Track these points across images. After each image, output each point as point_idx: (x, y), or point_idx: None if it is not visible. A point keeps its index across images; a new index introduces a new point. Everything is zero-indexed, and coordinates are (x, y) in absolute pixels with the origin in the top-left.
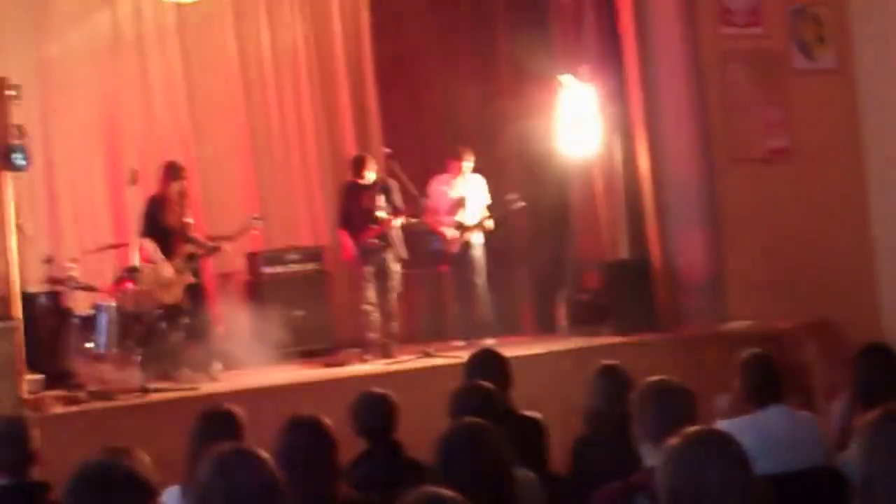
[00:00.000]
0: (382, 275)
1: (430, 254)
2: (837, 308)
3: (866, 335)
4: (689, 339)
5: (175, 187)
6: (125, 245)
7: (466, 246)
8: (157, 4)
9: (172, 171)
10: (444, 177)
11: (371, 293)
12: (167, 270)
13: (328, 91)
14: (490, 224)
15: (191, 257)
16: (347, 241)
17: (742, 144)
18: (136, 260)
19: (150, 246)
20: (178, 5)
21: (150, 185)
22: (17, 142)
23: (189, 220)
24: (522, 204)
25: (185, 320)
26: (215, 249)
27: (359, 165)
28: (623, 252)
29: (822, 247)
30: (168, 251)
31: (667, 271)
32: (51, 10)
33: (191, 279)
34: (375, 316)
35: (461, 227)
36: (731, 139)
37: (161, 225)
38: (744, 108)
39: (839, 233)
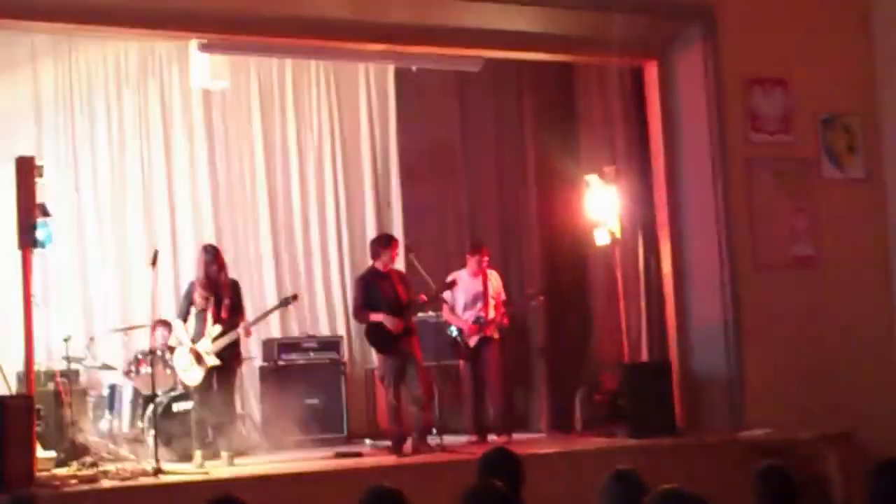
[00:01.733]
0: (406, 366)
1: (447, 348)
2: (860, 419)
3: (889, 448)
4: (706, 445)
5: (209, 270)
6: (143, 326)
7: (483, 341)
8: (184, 90)
9: (208, 254)
10: (462, 272)
11: (398, 386)
12: (190, 353)
13: (351, 181)
14: (506, 321)
15: (218, 338)
16: (380, 316)
17: (767, 251)
18: (153, 342)
19: (180, 328)
20: (206, 93)
21: (170, 267)
22: (40, 220)
23: (226, 301)
24: (540, 298)
25: (206, 403)
26: (244, 333)
27: (387, 245)
28: (643, 354)
29: (845, 357)
30: (199, 332)
31: (686, 375)
32: (82, 94)
33: (216, 361)
34: (401, 409)
35: (478, 323)
36: (757, 245)
37: (195, 306)
38: (770, 214)
39: (863, 343)
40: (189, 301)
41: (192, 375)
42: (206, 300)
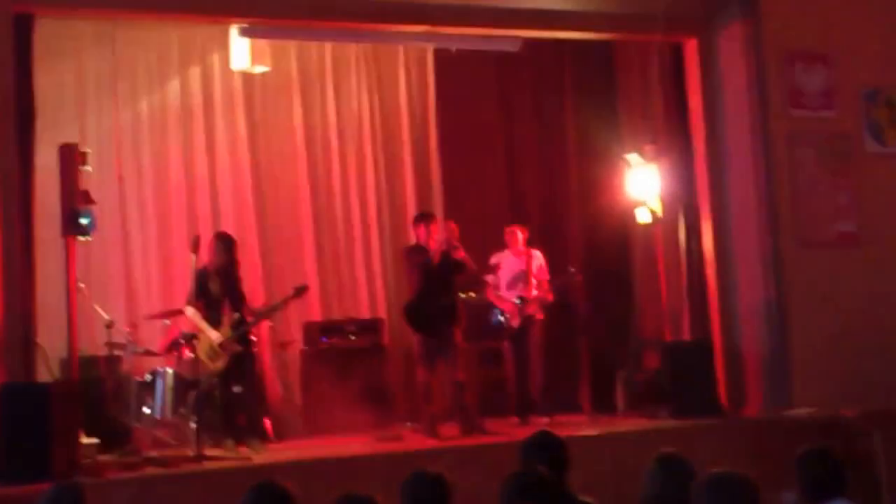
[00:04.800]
0: (448, 345)
1: (491, 329)
2: None
3: None
4: (750, 424)
5: (225, 258)
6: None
7: (526, 321)
8: (225, 74)
9: (223, 243)
10: (504, 252)
11: (432, 367)
12: (214, 338)
13: (391, 162)
14: (549, 297)
15: (238, 326)
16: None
17: (810, 228)
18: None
19: (194, 314)
20: (246, 75)
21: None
22: (83, 207)
23: (239, 290)
24: (577, 276)
25: (235, 389)
26: (263, 318)
27: (428, 221)
28: (685, 332)
29: (890, 334)
30: (216, 320)
31: (729, 354)
32: (122, 78)
33: (237, 348)
34: (434, 390)
35: (521, 302)
36: (799, 222)
37: (209, 294)
38: (812, 191)
39: None
40: (200, 288)
41: (218, 363)
42: (224, 288)
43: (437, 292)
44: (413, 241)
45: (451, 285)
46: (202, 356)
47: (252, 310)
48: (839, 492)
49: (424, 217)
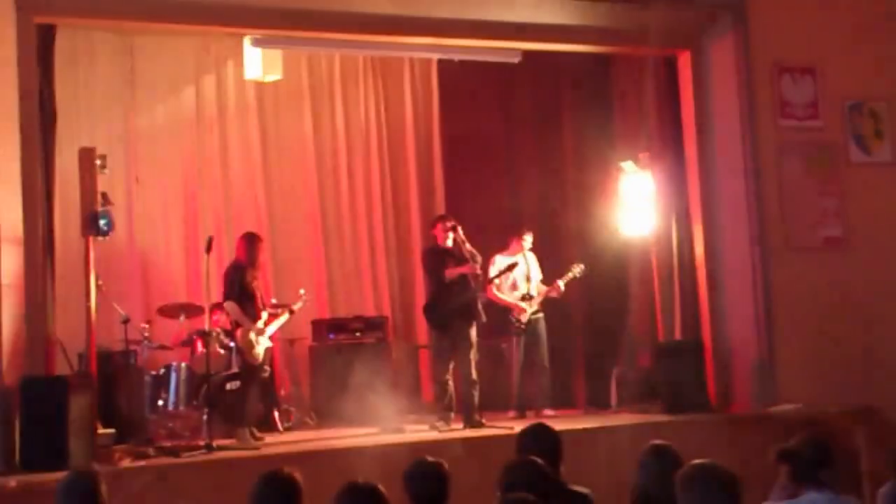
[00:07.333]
0: (464, 343)
1: (498, 326)
2: (888, 395)
3: None
4: (737, 420)
5: (255, 256)
6: (198, 308)
7: (532, 320)
8: (238, 83)
9: (255, 241)
10: (505, 253)
11: (447, 364)
12: (256, 332)
13: (396, 167)
14: (561, 286)
15: (275, 320)
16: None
17: (797, 233)
18: (211, 323)
19: (235, 309)
20: (259, 84)
21: (224, 252)
22: (101, 208)
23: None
24: (578, 275)
25: (260, 381)
26: (284, 312)
27: (445, 222)
28: (676, 332)
29: (873, 335)
30: (252, 315)
31: (718, 353)
32: (139, 86)
33: (269, 342)
34: (451, 385)
35: (525, 300)
36: (787, 228)
37: (246, 290)
38: (799, 197)
39: (891, 322)
40: (238, 284)
41: (256, 354)
42: (255, 284)
43: (455, 290)
44: (426, 242)
45: (467, 283)
46: (246, 348)
47: (269, 306)
48: (814, 479)
49: (442, 218)
